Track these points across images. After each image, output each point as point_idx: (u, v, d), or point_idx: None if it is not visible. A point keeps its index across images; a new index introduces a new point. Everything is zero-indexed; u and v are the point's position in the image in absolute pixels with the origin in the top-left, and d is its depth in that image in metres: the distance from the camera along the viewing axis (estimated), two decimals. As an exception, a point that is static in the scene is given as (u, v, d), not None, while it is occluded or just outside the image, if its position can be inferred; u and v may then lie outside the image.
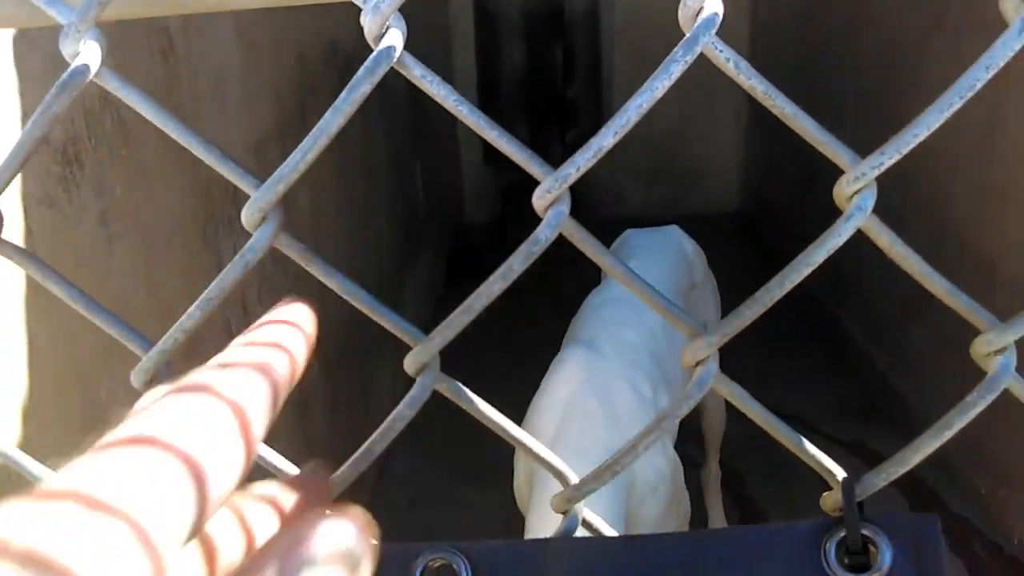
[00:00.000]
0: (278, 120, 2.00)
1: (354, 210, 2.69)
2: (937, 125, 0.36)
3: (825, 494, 0.40)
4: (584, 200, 5.26)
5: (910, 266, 0.38)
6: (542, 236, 0.36)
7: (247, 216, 0.37)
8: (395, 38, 0.35)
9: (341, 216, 2.54)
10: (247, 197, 0.37)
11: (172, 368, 0.43)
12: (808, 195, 4.14)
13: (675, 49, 0.35)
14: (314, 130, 0.35)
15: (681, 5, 0.35)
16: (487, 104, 5.19)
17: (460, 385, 0.40)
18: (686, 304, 1.93)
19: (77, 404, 1.17)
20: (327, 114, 0.35)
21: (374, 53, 0.34)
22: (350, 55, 2.66)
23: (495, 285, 0.37)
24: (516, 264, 0.36)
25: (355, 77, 0.35)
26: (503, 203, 5.23)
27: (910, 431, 2.60)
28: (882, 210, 0.37)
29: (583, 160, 0.36)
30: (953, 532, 2.40)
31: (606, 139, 0.35)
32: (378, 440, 0.38)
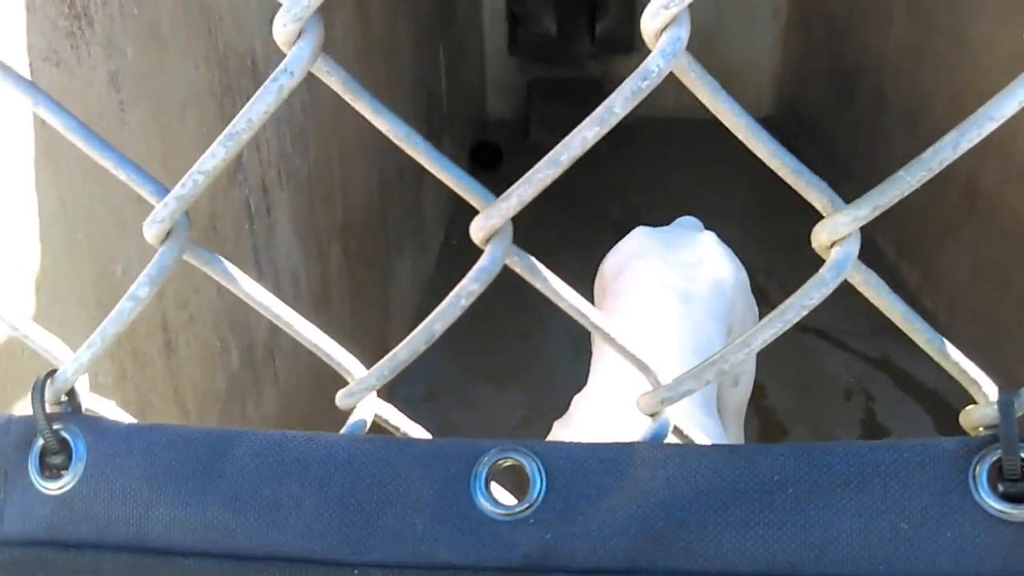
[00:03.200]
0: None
1: (374, 93, 2.58)
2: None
3: (968, 408, 0.33)
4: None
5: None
6: (654, 67, 0.28)
7: (281, 28, 0.29)
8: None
9: (363, 100, 2.43)
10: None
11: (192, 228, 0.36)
12: (844, 107, 3.98)
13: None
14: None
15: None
16: (515, -8, 4.96)
17: (533, 260, 0.33)
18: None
19: (90, 278, 1.12)
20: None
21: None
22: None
23: (590, 131, 0.29)
24: (618, 106, 0.29)
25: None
26: (528, 98, 5.07)
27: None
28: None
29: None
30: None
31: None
32: (438, 318, 0.31)
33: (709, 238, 1.46)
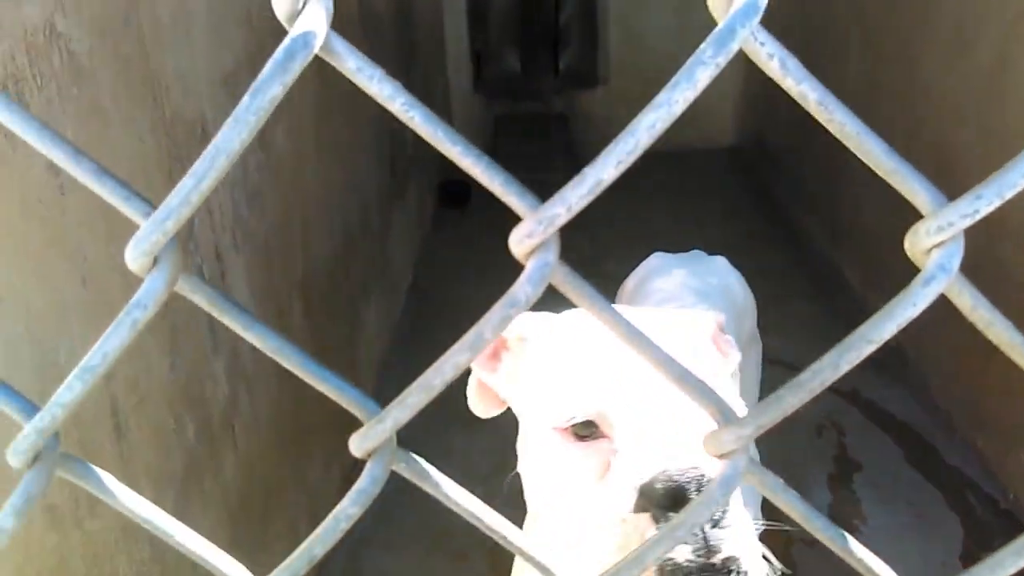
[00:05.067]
0: (249, 48, 1.87)
1: (336, 146, 2.57)
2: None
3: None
4: (576, 130, 5.12)
5: (997, 335, 0.29)
6: (522, 295, 0.27)
7: (132, 259, 0.28)
8: (315, 18, 0.25)
9: (322, 153, 2.42)
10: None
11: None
12: (807, 137, 4.02)
13: (702, 46, 0.26)
14: (209, 149, 0.26)
15: None
16: (477, 32, 4.99)
17: (420, 466, 0.31)
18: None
19: (30, 368, 1.09)
20: (225, 129, 0.25)
21: (285, 42, 0.25)
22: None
23: (461, 356, 0.28)
24: (488, 331, 0.28)
25: (261, 76, 0.25)
26: (494, 134, 5.08)
27: (907, 382, 2.54)
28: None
29: (576, 197, 0.27)
30: (948, 483, 2.38)
31: (606, 170, 0.26)
32: (317, 542, 0.29)
33: (722, 260, 1.54)
